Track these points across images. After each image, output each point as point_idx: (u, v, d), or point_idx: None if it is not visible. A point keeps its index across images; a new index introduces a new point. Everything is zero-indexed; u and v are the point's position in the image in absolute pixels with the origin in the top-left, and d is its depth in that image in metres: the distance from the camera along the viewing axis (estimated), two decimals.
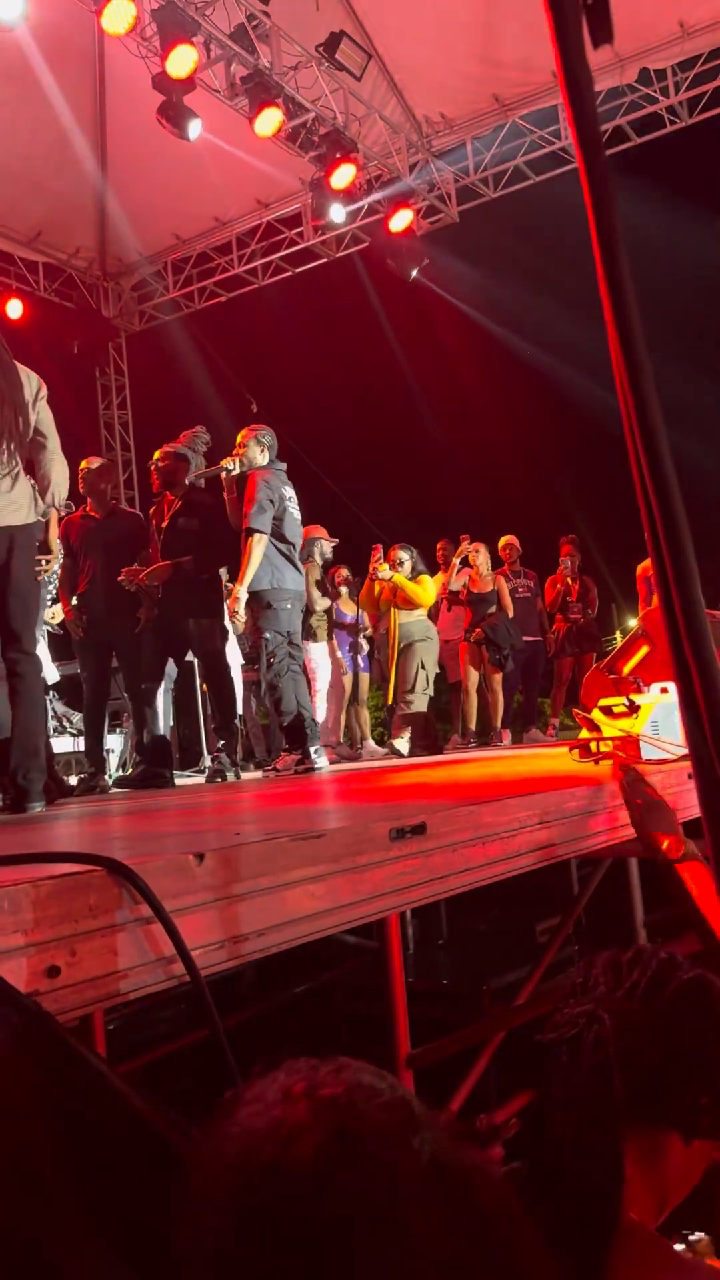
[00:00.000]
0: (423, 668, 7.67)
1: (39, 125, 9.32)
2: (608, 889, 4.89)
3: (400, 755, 7.31)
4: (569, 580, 9.36)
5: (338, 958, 5.09)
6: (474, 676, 8.78)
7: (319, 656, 8.03)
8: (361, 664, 8.38)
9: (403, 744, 7.39)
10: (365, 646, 8.46)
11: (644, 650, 4.48)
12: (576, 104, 0.99)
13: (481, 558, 8.75)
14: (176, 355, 13.21)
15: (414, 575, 7.80)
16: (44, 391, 3.94)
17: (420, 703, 7.69)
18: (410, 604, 7.71)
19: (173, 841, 1.59)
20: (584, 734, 3.60)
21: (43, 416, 3.90)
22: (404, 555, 7.80)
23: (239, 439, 6.05)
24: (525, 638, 9.02)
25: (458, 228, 11.16)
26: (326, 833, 1.39)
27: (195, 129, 8.01)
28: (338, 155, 9.10)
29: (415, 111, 10.30)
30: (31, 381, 3.87)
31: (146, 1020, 4.49)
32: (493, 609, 8.64)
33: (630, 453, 0.97)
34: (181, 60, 7.63)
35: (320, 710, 8.11)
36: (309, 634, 7.92)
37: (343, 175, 9.20)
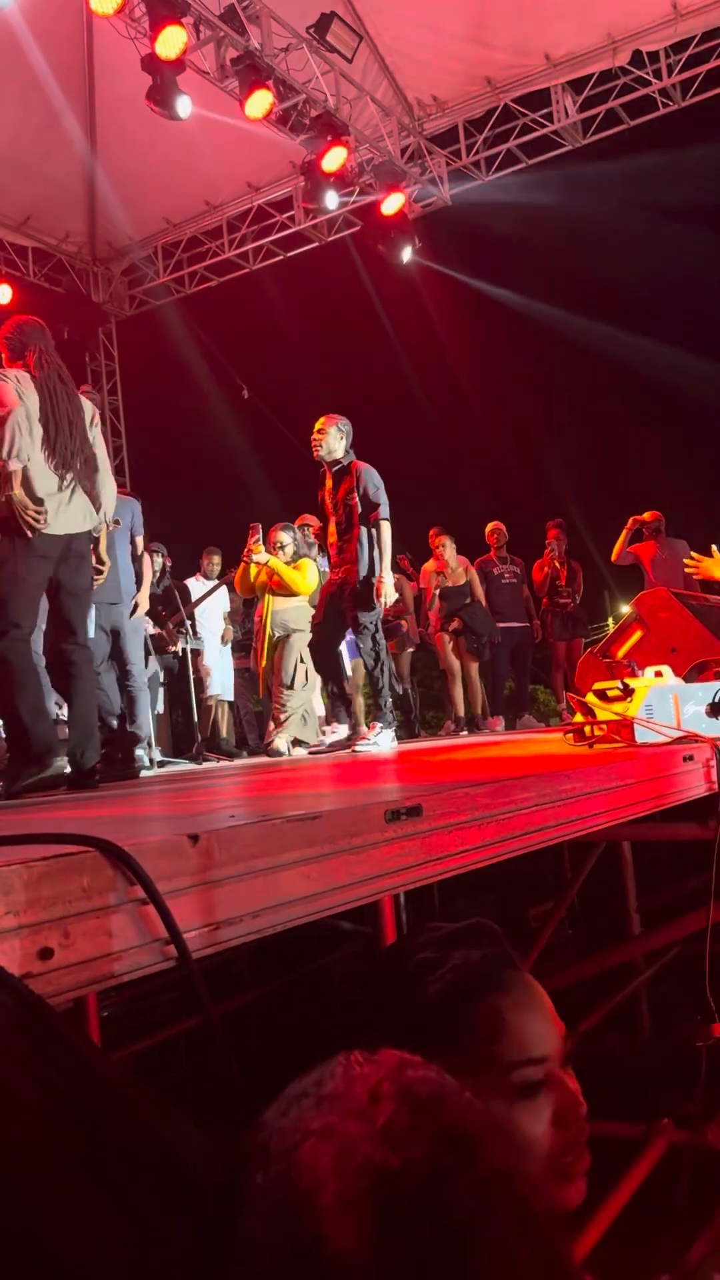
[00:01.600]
0: (301, 661, 6.92)
1: (27, 108, 9.24)
2: (601, 874, 4.90)
3: (280, 755, 6.69)
4: (557, 564, 9.36)
5: (333, 943, 5.10)
6: (457, 665, 8.82)
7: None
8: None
9: (282, 742, 6.78)
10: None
11: (638, 634, 4.48)
12: None
13: (449, 551, 8.79)
14: (167, 340, 13.15)
15: (293, 560, 7.12)
16: (98, 418, 4.43)
17: (298, 700, 6.98)
18: (287, 590, 7.03)
19: (168, 824, 1.58)
20: (578, 718, 3.59)
21: (97, 440, 4.34)
22: (285, 537, 7.17)
23: (318, 426, 6.06)
24: (513, 623, 9.04)
25: (450, 210, 11.11)
26: (322, 814, 1.38)
27: (185, 107, 7.94)
28: (329, 138, 9.04)
29: (407, 94, 10.24)
30: (87, 408, 4.35)
31: (141, 1007, 4.49)
32: (468, 599, 8.71)
33: None
34: (170, 41, 7.57)
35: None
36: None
37: (334, 158, 9.14)
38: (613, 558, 8.99)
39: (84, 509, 4.18)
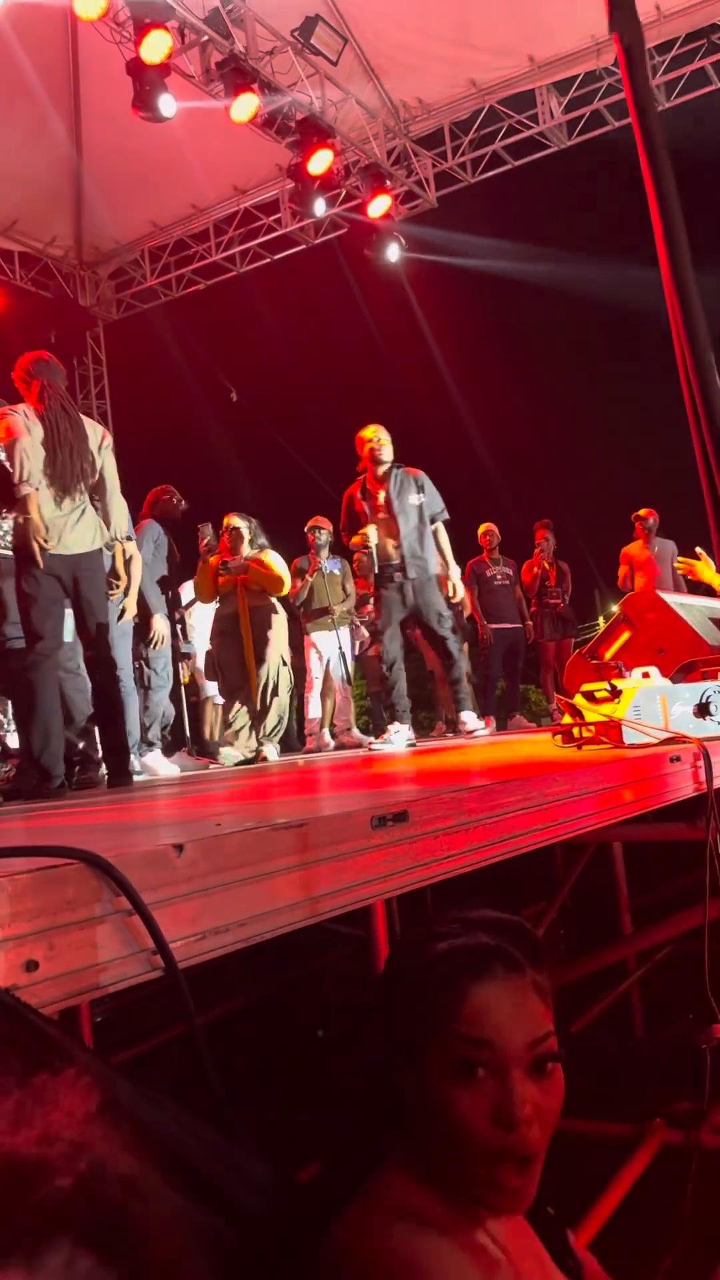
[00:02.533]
0: (284, 664, 6.49)
1: (12, 113, 9.23)
2: (593, 874, 4.92)
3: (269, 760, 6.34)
4: (546, 565, 9.39)
5: (325, 946, 5.11)
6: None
7: (329, 647, 8.01)
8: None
9: (272, 750, 6.44)
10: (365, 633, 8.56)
11: (626, 635, 4.50)
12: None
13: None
14: (156, 344, 13.16)
15: (258, 551, 6.60)
16: (108, 441, 4.69)
17: (282, 705, 6.51)
18: (266, 587, 6.48)
19: (154, 833, 1.58)
20: (566, 719, 3.60)
21: (107, 462, 4.63)
22: (243, 525, 6.57)
23: (374, 434, 6.22)
24: (505, 624, 9.06)
25: (436, 212, 11.14)
26: (307, 822, 1.39)
27: (169, 106, 7.90)
28: (314, 141, 9.05)
29: (392, 96, 10.25)
30: (96, 432, 4.63)
31: (135, 1013, 4.49)
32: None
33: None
34: (155, 45, 7.57)
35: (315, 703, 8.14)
36: (322, 625, 7.92)
37: (320, 161, 9.15)
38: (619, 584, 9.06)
39: (94, 528, 4.52)
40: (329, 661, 8.01)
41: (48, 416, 4.44)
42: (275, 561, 6.55)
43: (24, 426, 4.36)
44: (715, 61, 9.36)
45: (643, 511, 9.29)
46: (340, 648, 8.00)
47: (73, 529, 4.41)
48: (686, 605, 4.64)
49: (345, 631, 8.06)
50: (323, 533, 8.08)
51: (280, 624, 6.56)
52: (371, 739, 8.37)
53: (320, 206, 9.68)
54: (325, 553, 7.98)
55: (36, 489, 4.29)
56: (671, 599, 4.71)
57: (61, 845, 1.05)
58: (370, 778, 3.10)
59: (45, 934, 0.99)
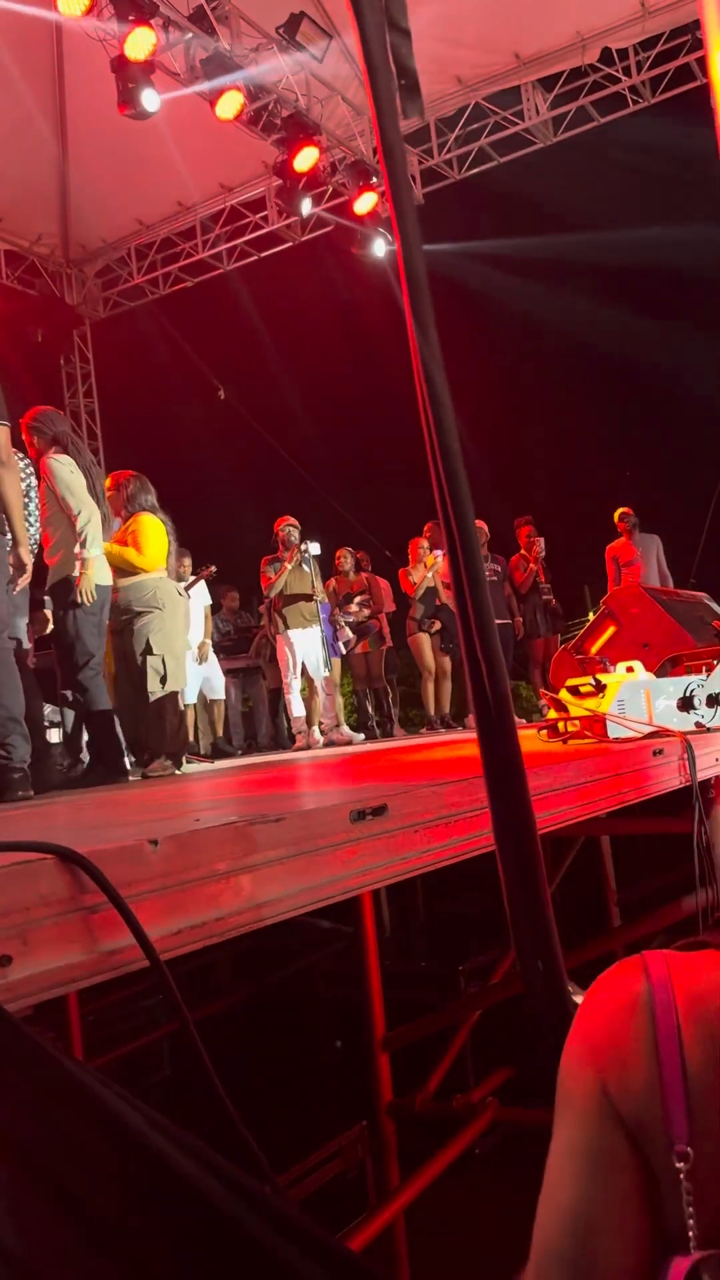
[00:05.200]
0: (150, 651, 5.28)
1: None
2: (581, 867, 4.93)
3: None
4: (532, 565, 9.42)
5: (316, 944, 5.11)
6: (432, 664, 8.98)
7: (308, 644, 8.00)
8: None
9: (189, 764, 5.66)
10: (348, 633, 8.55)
11: (611, 630, 4.51)
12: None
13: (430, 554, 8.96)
14: (143, 342, 13.09)
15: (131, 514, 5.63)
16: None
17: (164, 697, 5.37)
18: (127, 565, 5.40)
19: (131, 829, 1.59)
20: (552, 714, 3.61)
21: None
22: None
23: None
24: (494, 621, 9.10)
25: (423, 209, 11.12)
26: (285, 816, 1.39)
27: (152, 100, 7.87)
28: (300, 138, 9.04)
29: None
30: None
31: (124, 1011, 4.49)
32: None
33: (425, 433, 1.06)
34: (139, 42, 7.55)
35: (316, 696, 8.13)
36: (298, 622, 7.92)
37: (305, 158, 9.14)
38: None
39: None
40: (306, 660, 7.99)
41: (82, 465, 4.88)
42: (143, 527, 5.45)
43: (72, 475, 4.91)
44: (699, 58, 9.36)
45: (623, 510, 9.37)
46: (319, 644, 8.02)
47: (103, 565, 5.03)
48: (671, 600, 4.66)
49: (318, 630, 8.05)
50: (294, 530, 8.09)
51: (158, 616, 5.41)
52: (361, 735, 8.39)
53: (306, 205, 9.67)
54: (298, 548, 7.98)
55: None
56: (656, 594, 4.72)
57: (34, 840, 1.05)
58: (351, 773, 3.11)
59: (19, 929, 0.99)
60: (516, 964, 1.14)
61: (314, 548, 8.15)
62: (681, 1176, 0.77)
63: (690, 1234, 0.76)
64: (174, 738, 5.36)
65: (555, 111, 10.06)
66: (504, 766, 1.11)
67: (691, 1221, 0.77)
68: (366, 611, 9.22)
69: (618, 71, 9.64)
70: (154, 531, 5.41)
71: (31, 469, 5.06)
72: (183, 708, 5.66)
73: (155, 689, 5.21)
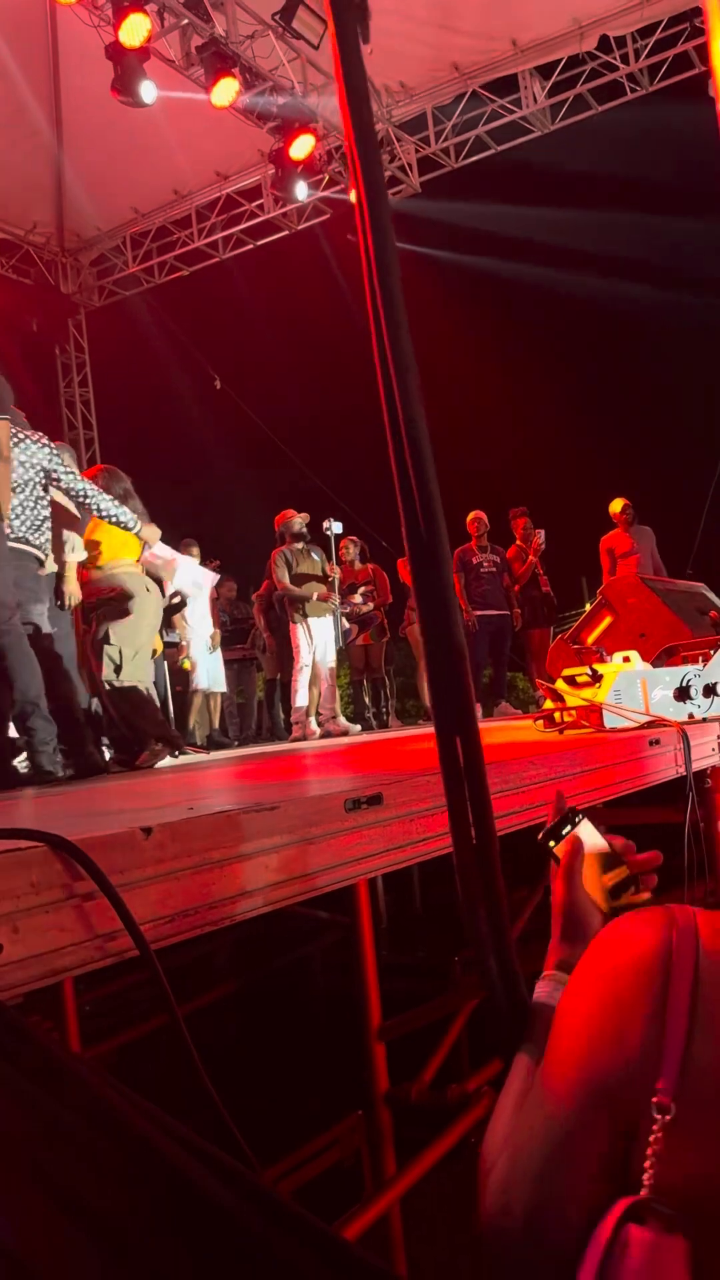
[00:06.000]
0: (108, 640, 5.08)
1: None
2: None
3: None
4: (531, 556, 9.41)
5: (312, 934, 5.11)
6: None
7: (325, 632, 7.99)
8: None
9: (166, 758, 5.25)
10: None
11: (608, 620, 4.51)
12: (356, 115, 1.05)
13: None
14: (138, 331, 13.05)
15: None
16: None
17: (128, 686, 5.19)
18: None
19: (125, 818, 1.58)
20: (548, 705, 3.61)
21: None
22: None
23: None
24: (492, 611, 9.06)
25: (420, 198, 11.09)
26: (280, 804, 1.38)
27: (150, 92, 7.85)
28: (296, 126, 8.99)
29: (374, 80, 10.17)
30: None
31: (123, 1000, 4.49)
32: None
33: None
34: (134, 29, 7.50)
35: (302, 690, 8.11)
36: (316, 610, 7.90)
37: (302, 146, 9.10)
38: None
39: None
40: (319, 648, 7.97)
41: None
42: (99, 525, 5.26)
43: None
44: (698, 45, 9.32)
45: (623, 502, 9.36)
46: (334, 633, 8.00)
47: None
48: (668, 590, 4.65)
49: (332, 620, 8.04)
50: (295, 521, 8.07)
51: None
52: (358, 727, 8.38)
53: (302, 190, 9.62)
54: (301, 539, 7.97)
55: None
56: (653, 584, 4.72)
57: (24, 828, 1.04)
58: (347, 763, 3.10)
59: (9, 917, 0.98)
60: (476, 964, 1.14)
61: (336, 526, 8.13)
62: (655, 1126, 0.77)
63: (644, 1180, 0.77)
64: (157, 722, 5.27)
65: (553, 99, 10.01)
66: (463, 765, 1.09)
67: (649, 1169, 0.77)
68: (371, 604, 9.20)
69: (615, 59, 9.60)
70: (102, 530, 5.30)
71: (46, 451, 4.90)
72: (148, 694, 5.50)
73: (109, 677, 5.12)
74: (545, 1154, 0.84)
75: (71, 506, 4.97)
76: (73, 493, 4.82)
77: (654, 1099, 0.77)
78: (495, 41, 9.56)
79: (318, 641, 7.93)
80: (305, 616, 7.90)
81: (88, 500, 4.83)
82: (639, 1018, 0.80)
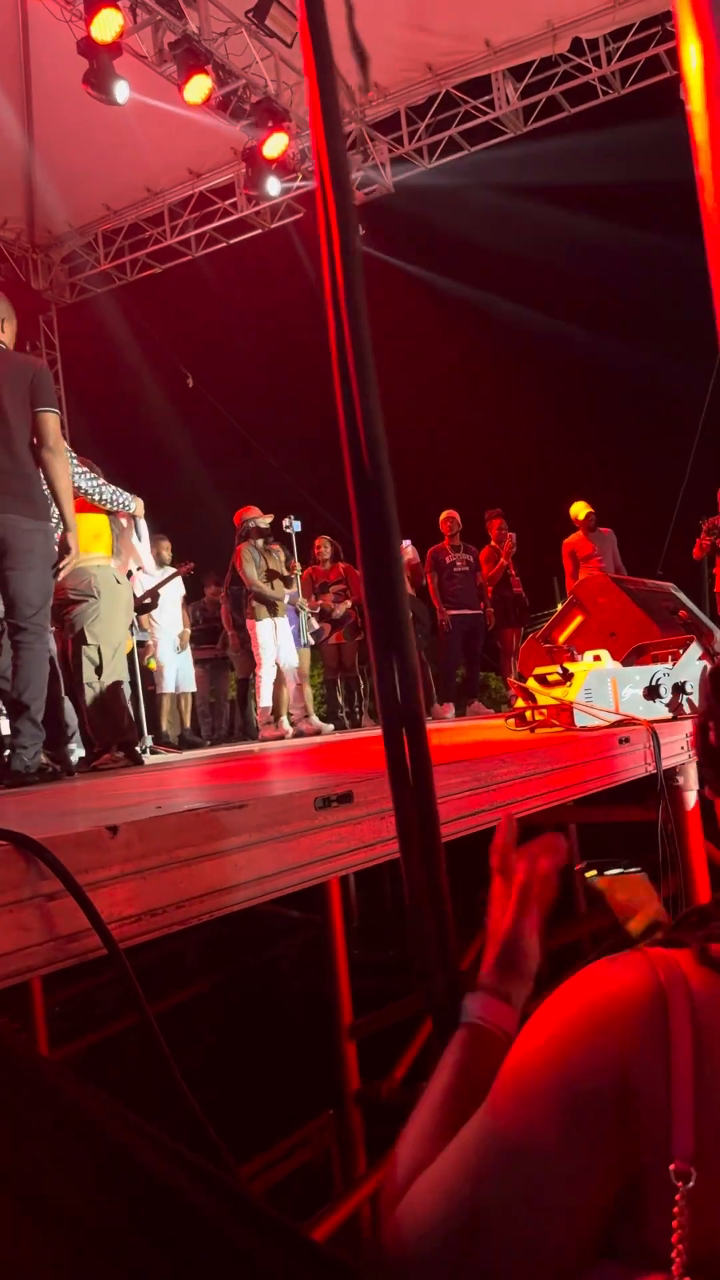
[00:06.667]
0: (85, 640, 5.00)
1: None
2: None
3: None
4: (503, 558, 9.45)
5: (285, 933, 5.10)
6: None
7: (282, 633, 7.97)
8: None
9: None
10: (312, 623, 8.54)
11: (579, 619, 4.53)
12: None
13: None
14: (109, 329, 12.96)
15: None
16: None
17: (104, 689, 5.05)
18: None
19: (92, 817, 1.57)
20: (520, 703, 3.62)
21: None
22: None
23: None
24: (466, 611, 9.09)
25: (393, 197, 11.10)
26: (249, 803, 1.38)
27: (123, 92, 7.83)
28: (270, 124, 8.97)
29: (348, 80, 10.15)
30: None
31: (89, 1000, 4.46)
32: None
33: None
34: (106, 24, 7.46)
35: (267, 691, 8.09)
36: (271, 612, 7.87)
37: (275, 144, 9.08)
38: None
39: None
40: (281, 647, 7.96)
41: None
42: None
43: None
44: (670, 49, 9.38)
45: (581, 507, 9.46)
46: (289, 633, 8.00)
47: None
48: (638, 589, 4.68)
49: (286, 620, 8.03)
50: (258, 519, 8.05)
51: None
52: (331, 726, 8.38)
53: (274, 186, 9.59)
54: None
55: None
56: (624, 583, 4.74)
57: None
58: (319, 762, 3.10)
59: None
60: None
61: (296, 525, 8.10)
62: (678, 1196, 0.70)
63: (676, 1258, 0.70)
64: (121, 728, 5.20)
65: (525, 101, 10.05)
66: (411, 777, 1.08)
67: (680, 1245, 0.70)
68: (347, 603, 9.19)
69: (588, 61, 9.64)
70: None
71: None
72: (126, 699, 5.43)
73: (90, 679, 5.06)
74: (518, 1203, 0.74)
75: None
76: (81, 492, 4.83)
77: (671, 1165, 0.70)
78: (469, 43, 9.58)
79: (275, 641, 7.91)
80: (267, 615, 7.89)
81: (93, 494, 4.84)
82: (638, 1061, 0.73)
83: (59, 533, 4.25)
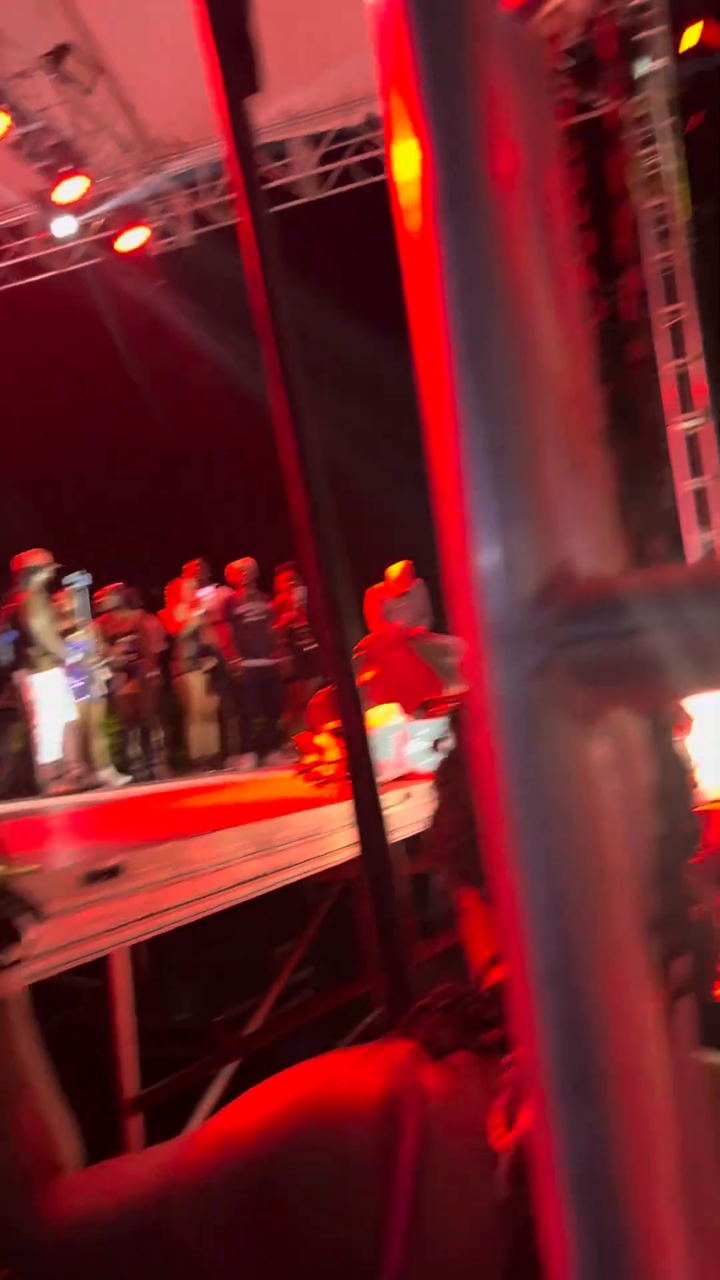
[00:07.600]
0: None
1: None
2: (343, 911, 4.97)
3: None
4: (297, 608, 9.54)
5: (70, 1001, 4.88)
6: (201, 704, 8.95)
7: (49, 687, 7.69)
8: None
9: None
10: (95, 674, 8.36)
11: (371, 674, 4.62)
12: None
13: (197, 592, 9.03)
14: None
15: None
16: None
17: None
18: None
19: None
20: (310, 758, 3.64)
21: None
22: None
23: None
24: (260, 661, 9.11)
25: (192, 251, 11.16)
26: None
27: None
28: (66, 169, 8.86)
29: (148, 131, 10.18)
30: None
31: None
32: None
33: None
34: None
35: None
36: (43, 665, 7.60)
37: (72, 188, 8.97)
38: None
39: None
40: (51, 703, 7.73)
41: None
42: None
43: None
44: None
45: (401, 565, 9.68)
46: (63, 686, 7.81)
47: None
48: (428, 644, 4.83)
49: (60, 672, 7.82)
50: (41, 566, 7.82)
51: None
52: (126, 778, 8.16)
53: (65, 226, 9.46)
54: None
55: None
56: (416, 639, 4.89)
57: None
58: (95, 825, 3.01)
59: None
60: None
61: (81, 580, 7.91)
62: None
63: None
64: None
65: (323, 169, 10.37)
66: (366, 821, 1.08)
67: None
68: (135, 654, 9.03)
69: (377, 138, 10.07)
70: None
71: None
72: None
73: None
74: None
75: None
76: None
77: None
78: (268, 108, 9.79)
79: (48, 695, 7.69)
80: (43, 668, 7.67)
81: None
82: (366, 1190, 0.65)
83: None
